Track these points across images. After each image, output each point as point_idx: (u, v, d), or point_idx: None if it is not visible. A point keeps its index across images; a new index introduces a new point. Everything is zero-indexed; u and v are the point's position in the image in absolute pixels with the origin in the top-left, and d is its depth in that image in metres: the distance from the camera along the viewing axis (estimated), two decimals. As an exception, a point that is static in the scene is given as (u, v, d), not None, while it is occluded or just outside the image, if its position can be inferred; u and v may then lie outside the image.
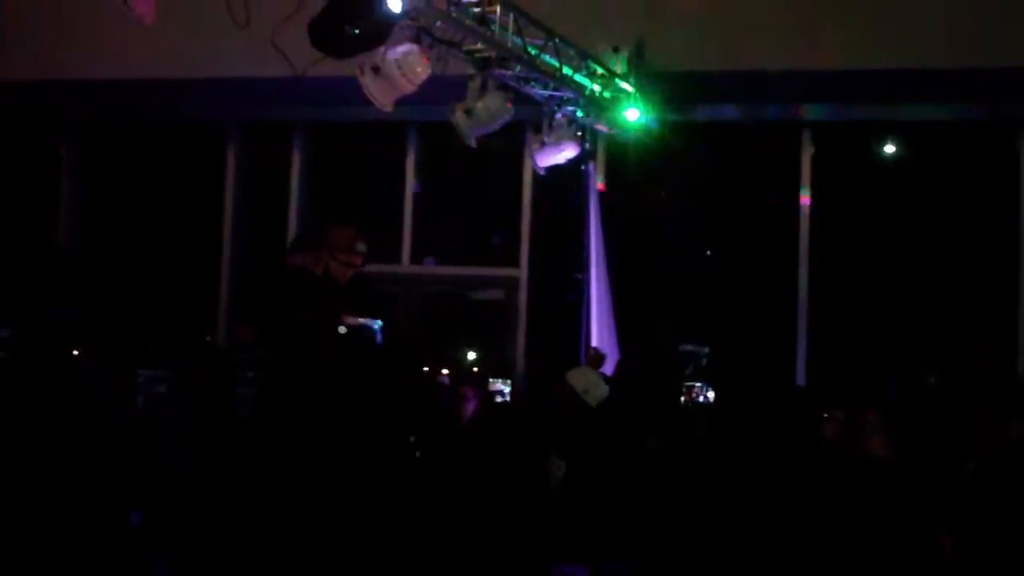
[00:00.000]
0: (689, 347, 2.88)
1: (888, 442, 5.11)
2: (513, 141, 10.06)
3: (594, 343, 9.99)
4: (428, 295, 12.14)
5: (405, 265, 12.21)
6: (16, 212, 12.99)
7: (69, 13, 10.15)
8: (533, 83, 9.16)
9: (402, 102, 7.98)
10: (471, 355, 11.66)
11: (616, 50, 10.00)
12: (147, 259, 12.67)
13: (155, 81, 11.19)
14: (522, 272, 11.78)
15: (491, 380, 6.43)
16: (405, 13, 7.25)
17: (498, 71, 8.73)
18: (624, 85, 9.98)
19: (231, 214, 12.69)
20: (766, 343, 10.82)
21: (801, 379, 10.84)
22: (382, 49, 7.34)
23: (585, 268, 10.32)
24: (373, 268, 12.05)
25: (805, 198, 11.20)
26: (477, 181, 11.97)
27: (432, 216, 12.30)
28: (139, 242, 12.77)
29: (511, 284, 11.85)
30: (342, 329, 6.65)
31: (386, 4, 6.79)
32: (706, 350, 3.04)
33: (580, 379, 5.96)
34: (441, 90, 8.37)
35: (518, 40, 8.54)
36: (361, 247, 7.94)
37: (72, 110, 12.70)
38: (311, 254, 7.64)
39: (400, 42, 7.64)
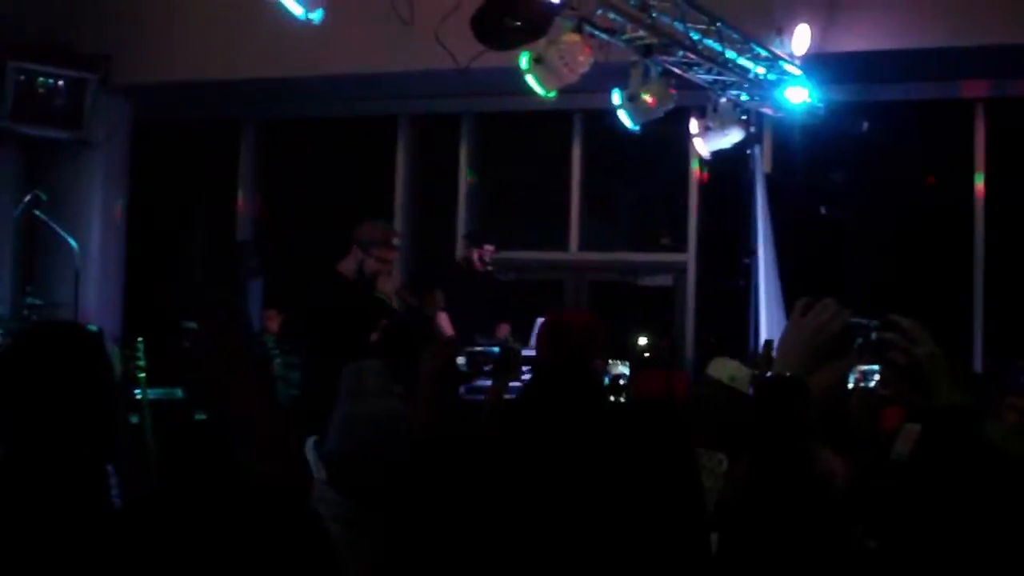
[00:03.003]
0: (856, 319, 2.75)
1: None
2: (678, 126, 10.03)
3: (763, 328, 9.92)
4: (595, 282, 12.20)
5: (573, 252, 12.28)
6: (197, 207, 13.49)
7: (240, 15, 10.47)
8: (696, 68, 9.14)
9: (567, 90, 8.06)
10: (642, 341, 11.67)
11: (780, 32, 9.91)
12: (321, 250, 12.98)
13: (326, 78, 11.48)
14: (690, 257, 11.75)
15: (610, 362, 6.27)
16: (566, 3, 7.34)
17: (660, 57, 8.74)
18: (789, 67, 9.88)
19: (402, 205, 12.94)
20: (942, 328, 10.57)
21: (978, 366, 10.58)
22: (544, 39, 7.44)
23: (753, 253, 10.23)
24: (541, 255, 12.38)
25: (980, 177, 10.91)
26: (643, 167, 11.98)
27: (599, 203, 12.36)
28: (313, 234, 13.10)
29: (679, 270, 11.84)
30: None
31: (547, -5, 6.88)
32: (875, 323, 2.89)
33: (721, 370, 5.85)
34: (606, 77, 8.44)
35: (680, 25, 8.55)
36: (396, 241, 8.04)
37: (247, 107, 13.12)
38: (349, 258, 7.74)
39: (562, 32, 7.74)
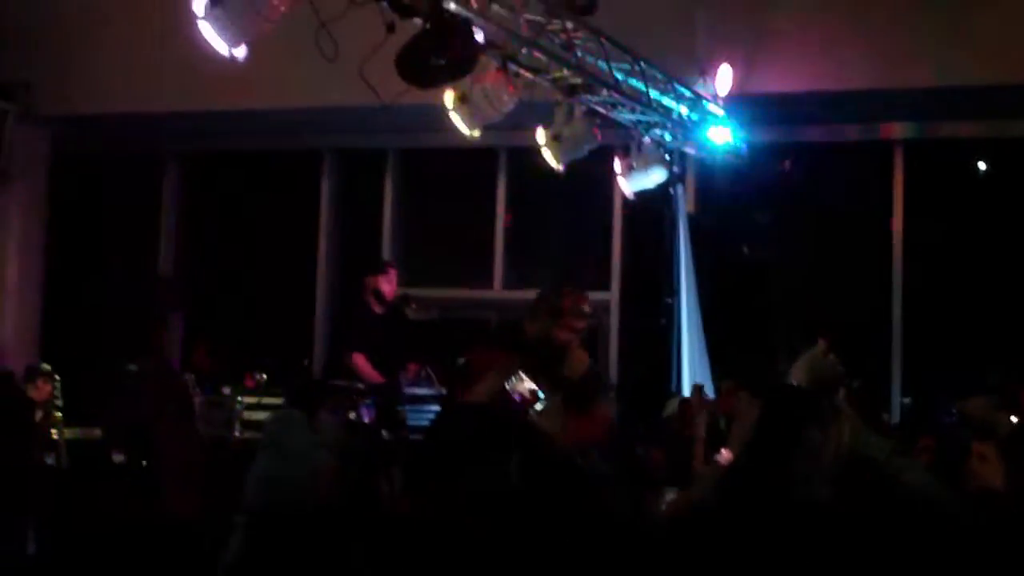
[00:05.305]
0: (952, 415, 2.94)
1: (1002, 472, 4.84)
2: (602, 165, 10.07)
3: (685, 367, 9.98)
4: (519, 321, 12.15)
5: (497, 290, 12.27)
6: (118, 241, 13.31)
7: (164, 48, 10.39)
8: (620, 107, 9.19)
9: (492, 127, 8.07)
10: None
11: (703, 73, 10.00)
12: (245, 285, 12.89)
13: (250, 112, 11.42)
14: (613, 296, 11.77)
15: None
16: (490, 42, 7.36)
17: (585, 96, 8.79)
18: (712, 107, 9.97)
19: (326, 239, 12.88)
20: (860, 368, 10.67)
21: (896, 404, 10.70)
22: (468, 78, 7.43)
23: (675, 292, 10.29)
24: (465, 294, 12.35)
25: (898, 217, 11.06)
26: (567, 205, 12.01)
27: (523, 241, 12.36)
28: (237, 269, 13.00)
29: (602, 308, 11.84)
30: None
31: (472, 35, 6.87)
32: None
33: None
34: (531, 115, 8.46)
35: (604, 65, 8.59)
36: (587, 308, 7.74)
37: (170, 141, 13.01)
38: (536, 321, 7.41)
39: (486, 71, 7.75)
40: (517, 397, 5.06)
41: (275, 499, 3.65)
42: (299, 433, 3.85)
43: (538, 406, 4.88)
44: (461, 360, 5.99)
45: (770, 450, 3.05)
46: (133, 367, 9.02)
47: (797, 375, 3.37)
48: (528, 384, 4.96)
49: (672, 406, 6.79)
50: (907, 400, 10.77)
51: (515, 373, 4.99)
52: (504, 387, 4.88)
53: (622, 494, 4.60)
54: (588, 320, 7.66)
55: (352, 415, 8.35)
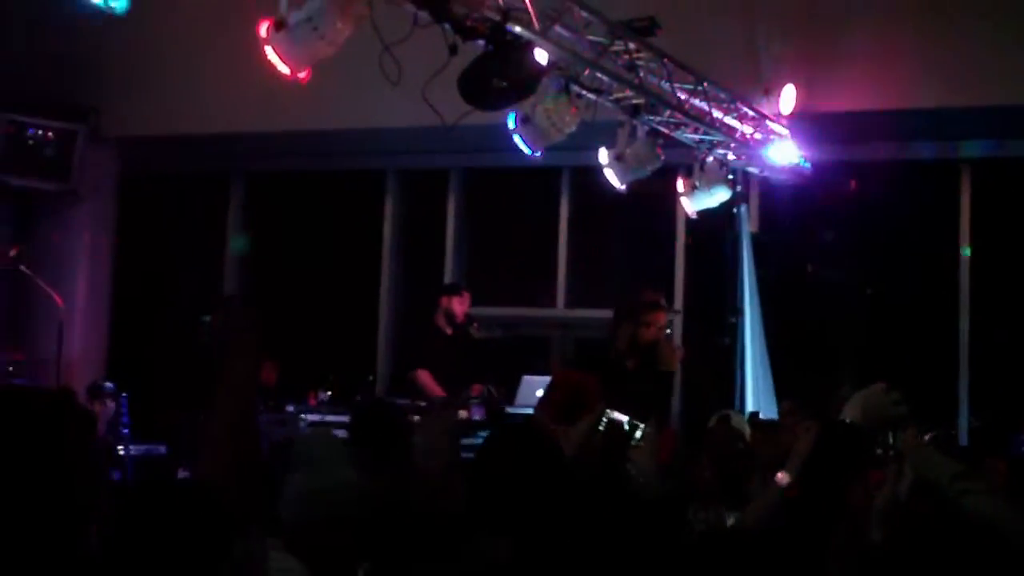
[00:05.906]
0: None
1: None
2: (665, 185, 10.05)
3: (748, 386, 9.93)
4: (583, 339, 12.17)
5: (560, 309, 12.27)
6: (184, 259, 13.46)
7: (229, 70, 10.50)
8: (683, 127, 9.18)
9: (555, 147, 8.09)
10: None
11: (767, 92, 9.96)
12: (309, 303, 12.97)
13: (314, 133, 11.53)
14: (676, 316, 11.72)
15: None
16: (553, 64, 7.37)
17: (648, 117, 8.78)
18: (775, 127, 9.93)
19: (389, 259, 12.94)
20: (927, 388, 10.55)
21: (964, 425, 10.57)
22: (531, 99, 7.45)
23: (739, 312, 10.24)
24: (528, 312, 12.38)
25: (965, 237, 10.93)
26: (630, 225, 11.99)
27: (586, 260, 12.35)
28: (302, 287, 13.09)
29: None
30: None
31: (534, 56, 6.89)
32: None
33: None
34: (594, 135, 8.46)
35: (667, 85, 8.59)
36: (663, 301, 7.71)
37: (236, 161, 13.15)
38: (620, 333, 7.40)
39: (548, 91, 7.76)
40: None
41: (310, 514, 3.69)
42: (327, 448, 3.88)
43: (637, 434, 4.85)
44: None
45: (819, 488, 3.03)
46: (207, 318, 9.07)
47: (851, 412, 3.35)
48: (619, 416, 4.90)
49: (711, 422, 6.80)
50: (975, 422, 10.63)
51: (606, 412, 4.94)
52: (598, 431, 4.83)
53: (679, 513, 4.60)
54: (668, 312, 7.64)
55: (463, 414, 8.48)
